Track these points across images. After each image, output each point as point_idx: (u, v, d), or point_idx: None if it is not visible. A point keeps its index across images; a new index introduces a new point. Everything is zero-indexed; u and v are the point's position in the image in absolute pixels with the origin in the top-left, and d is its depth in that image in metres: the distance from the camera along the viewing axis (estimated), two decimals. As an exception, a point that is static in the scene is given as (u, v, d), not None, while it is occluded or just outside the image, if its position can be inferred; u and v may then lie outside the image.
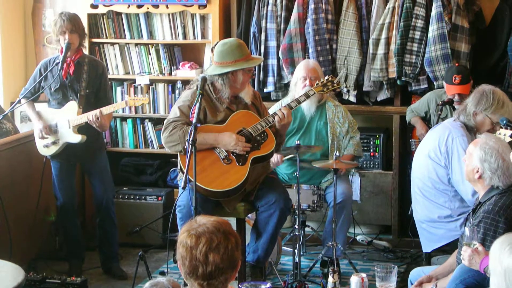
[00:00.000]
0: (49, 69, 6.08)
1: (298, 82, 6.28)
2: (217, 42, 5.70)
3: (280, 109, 5.54)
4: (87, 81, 6.12)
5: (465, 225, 4.37)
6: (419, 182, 5.40)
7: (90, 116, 5.98)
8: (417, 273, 4.68)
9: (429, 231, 5.32)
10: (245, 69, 5.48)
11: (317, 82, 5.93)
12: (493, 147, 4.28)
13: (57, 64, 6.01)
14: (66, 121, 6.08)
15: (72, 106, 6.10)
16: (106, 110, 6.06)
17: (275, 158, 6.14)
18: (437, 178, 5.26)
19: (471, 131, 5.30)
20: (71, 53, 6.06)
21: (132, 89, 7.34)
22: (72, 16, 6.05)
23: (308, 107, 6.26)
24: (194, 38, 7.34)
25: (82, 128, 6.10)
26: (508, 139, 5.34)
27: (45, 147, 6.18)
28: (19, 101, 6.14)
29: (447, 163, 5.21)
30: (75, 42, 6.06)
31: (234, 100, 5.59)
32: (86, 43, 6.66)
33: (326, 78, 5.90)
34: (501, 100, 5.25)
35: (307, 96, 5.80)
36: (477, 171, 4.32)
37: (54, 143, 6.14)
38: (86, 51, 6.72)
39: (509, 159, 4.26)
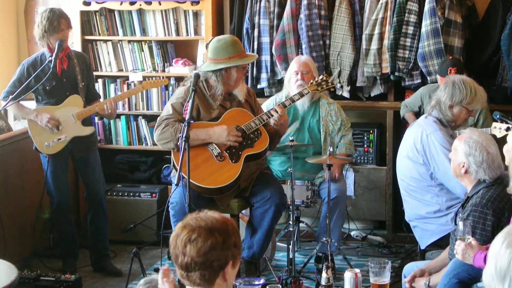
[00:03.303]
0: (39, 68, 5.98)
1: (292, 77, 6.30)
2: (212, 39, 5.69)
3: (274, 109, 5.53)
4: (81, 74, 6.11)
5: (455, 220, 4.37)
6: (404, 182, 5.39)
7: (104, 105, 6.00)
8: (410, 268, 4.68)
9: (422, 228, 5.32)
10: (239, 66, 5.48)
11: (311, 81, 5.94)
12: (477, 140, 4.28)
13: (49, 61, 5.95)
14: (70, 115, 6.04)
15: (76, 99, 6.06)
16: (120, 97, 6.20)
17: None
18: (419, 177, 5.24)
19: (448, 125, 5.28)
20: (61, 48, 6.02)
21: (125, 86, 7.33)
22: (63, 12, 6.04)
23: (301, 103, 6.26)
24: (187, 35, 7.33)
25: (82, 121, 6.10)
26: (503, 133, 5.36)
27: (48, 146, 6.05)
28: (10, 100, 5.99)
29: (426, 160, 5.19)
30: (69, 38, 6.05)
31: (228, 97, 5.59)
32: (77, 35, 6.67)
33: (320, 77, 5.91)
34: (472, 88, 5.23)
35: (301, 95, 5.81)
36: (463, 166, 4.33)
37: (59, 140, 6.08)
38: (78, 44, 6.72)
39: (493, 152, 4.27)
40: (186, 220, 2.86)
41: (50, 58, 5.94)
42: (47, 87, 6.04)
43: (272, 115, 5.52)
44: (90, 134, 6.16)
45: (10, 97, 5.98)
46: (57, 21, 5.93)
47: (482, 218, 4.15)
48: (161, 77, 6.53)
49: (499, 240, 2.57)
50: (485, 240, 4.05)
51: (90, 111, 6.06)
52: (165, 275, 3.02)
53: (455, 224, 4.45)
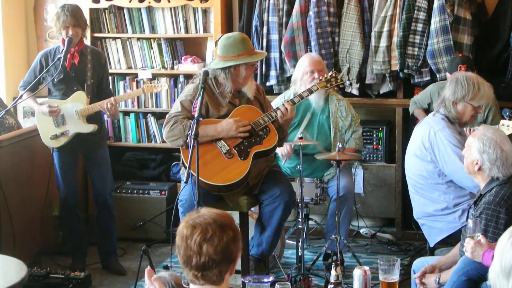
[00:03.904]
0: (51, 61, 6.07)
1: (305, 76, 6.23)
2: (221, 36, 5.69)
3: (283, 104, 5.54)
4: (92, 71, 6.13)
5: (467, 217, 4.35)
6: (411, 180, 5.39)
7: (104, 104, 5.99)
8: (420, 263, 4.67)
9: (430, 225, 5.31)
10: (248, 64, 5.46)
11: (320, 77, 5.92)
12: (491, 138, 4.26)
13: (59, 58, 6.00)
14: (74, 111, 6.07)
15: (80, 96, 6.09)
16: (121, 98, 6.10)
17: (285, 149, 6.13)
18: (427, 174, 5.23)
19: (454, 122, 5.27)
20: (73, 44, 6.06)
21: (134, 84, 7.34)
22: (74, 9, 6.04)
23: (316, 101, 6.25)
24: (196, 32, 7.34)
25: (88, 118, 6.10)
26: (511, 130, 5.32)
27: (52, 139, 6.14)
28: (20, 97, 6.11)
29: (434, 157, 5.17)
30: (78, 36, 6.06)
31: (237, 95, 5.58)
32: (87, 34, 6.69)
33: (330, 74, 5.88)
34: (476, 83, 5.19)
35: (310, 91, 5.80)
36: (477, 163, 4.30)
37: (62, 134, 6.12)
38: (87, 41, 6.74)
39: (507, 149, 4.24)
40: (191, 220, 2.84)
41: (59, 56, 6.00)
42: (55, 80, 6.09)
43: (280, 109, 5.52)
44: (96, 132, 6.16)
45: (20, 93, 6.08)
46: (62, 17, 5.98)
47: (495, 217, 4.13)
48: (163, 84, 6.59)
49: (505, 237, 2.57)
50: (497, 238, 4.00)
51: (92, 109, 6.07)
52: (150, 275, 3.03)
53: (466, 220, 4.43)
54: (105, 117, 6.84)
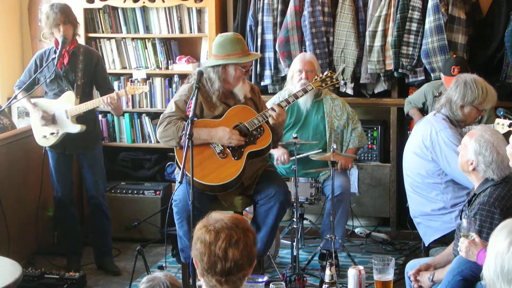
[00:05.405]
0: (45, 62, 6.10)
1: (295, 75, 6.27)
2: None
3: (272, 108, 5.51)
4: (82, 71, 6.13)
5: (461, 217, 4.35)
6: (409, 178, 5.38)
7: (105, 99, 6.00)
8: (413, 265, 4.66)
9: (425, 225, 5.31)
10: (237, 65, 5.44)
11: (315, 77, 5.91)
12: (488, 140, 4.25)
13: (53, 59, 6.02)
14: (64, 111, 6.08)
15: (69, 96, 6.10)
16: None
17: (282, 156, 6.13)
18: (426, 173, 5.23)
19: (457, 125, 5.27)
20: (66, 44, 6.06)
21: (129, 84, 7.33)
22: (63, 7, 6.06)
23: (304, 101, 6.25)
24: (191, 32, 7.33)
25: (79, 119, 6.11)
26: (506, 129, 5.32)
27: (43, 138, 6.17)
28: (15, 97, 6.13)
29: (435, 157, 5.17)
30: (69, 33, 6.07)
31: (230, 95, 5.57)
32: (81, 33, 6.69)
33: (325, 73, 5.87)
34: (484, 88, 5.20)
35: (305, 91, 5.79)
36: (471, 163, 4.30)
37: (52, 133, 6.13)
38: (81, 41, 6.74)
39: (503, 152, 4.23)
40: (210, 225, 2.81)
41: (54, 56, 6.01)
42: (48, 80, 6.13)
43: (271, 114, 5.50)
44: (88, 132, 6.16)
45: (15, 93, 6.11)
46: (53, 16, 6.00)
47: (490, 217, 4.12)
48: (145, 84, 6.67)
49: (502, 238, 2.54)
50: (492, 239, 4.03)
51: (80, 109, 6.07)
52: None
53: (460, 219, 4.43)
54: (100, 117, 6.85)
